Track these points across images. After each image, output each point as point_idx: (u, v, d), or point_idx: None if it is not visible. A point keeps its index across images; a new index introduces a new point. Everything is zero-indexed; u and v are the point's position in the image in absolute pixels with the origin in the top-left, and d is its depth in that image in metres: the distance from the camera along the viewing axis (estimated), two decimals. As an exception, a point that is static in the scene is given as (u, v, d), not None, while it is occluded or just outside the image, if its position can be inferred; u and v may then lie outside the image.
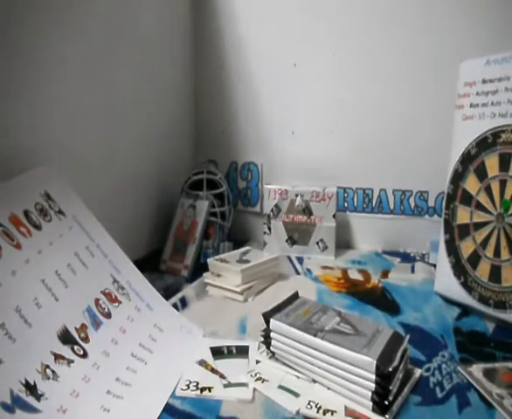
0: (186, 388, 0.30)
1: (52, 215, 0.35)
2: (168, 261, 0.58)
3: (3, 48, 0.34)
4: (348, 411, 0.28)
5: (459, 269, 0.46)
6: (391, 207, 0.66)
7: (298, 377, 0.32)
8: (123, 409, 0.28)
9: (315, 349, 0.31)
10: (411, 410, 0.28)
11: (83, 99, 0.46)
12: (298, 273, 0.58)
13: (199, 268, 0.54)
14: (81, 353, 0.30)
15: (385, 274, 0.56)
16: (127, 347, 0.33)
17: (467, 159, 0.47)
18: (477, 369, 0.33)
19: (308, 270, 0.59)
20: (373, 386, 0.27)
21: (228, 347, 0.36)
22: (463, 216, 0.46)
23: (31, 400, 0.25)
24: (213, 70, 0.73)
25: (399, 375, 0.29)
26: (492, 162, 0.44)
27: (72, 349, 0.29)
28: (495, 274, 0.42)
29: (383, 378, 0.27)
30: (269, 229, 0.67)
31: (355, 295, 0.49)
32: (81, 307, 0.33)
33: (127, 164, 0.56)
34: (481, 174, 0.45)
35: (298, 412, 0.28)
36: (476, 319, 0.43)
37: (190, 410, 0.28)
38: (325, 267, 0.60)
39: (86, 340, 0.31)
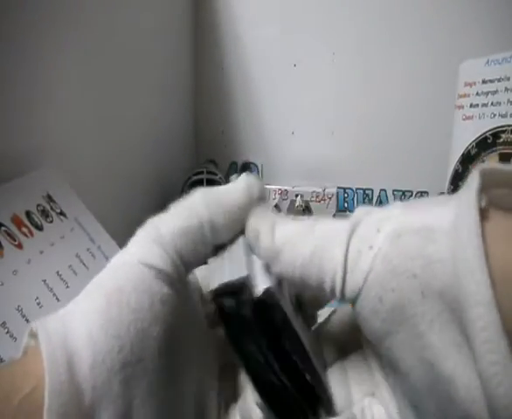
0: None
1: (54, 216, 0.35)
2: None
3: (2, 49, 0.35)
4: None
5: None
6: (391, 207, 0.67)
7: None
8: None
9: None
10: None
11: (82, 99, 0.46)
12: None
13: (200, 268, 0.54)
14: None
15: (385, 274, 0.56)
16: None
17: (467, 159, 0.47)
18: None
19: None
20: None
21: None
22: (463, 216, 0.46)
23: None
24: (213, 70, 0.73)
25: None
26: (492, 163, 0.44)
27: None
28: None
29: None
30: (269, 229, 0.67)
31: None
32: (82, 307, 0.33)
33: (126, 165, 0.56)
34: (481, 174, 0.46)
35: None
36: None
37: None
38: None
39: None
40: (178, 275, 0.16)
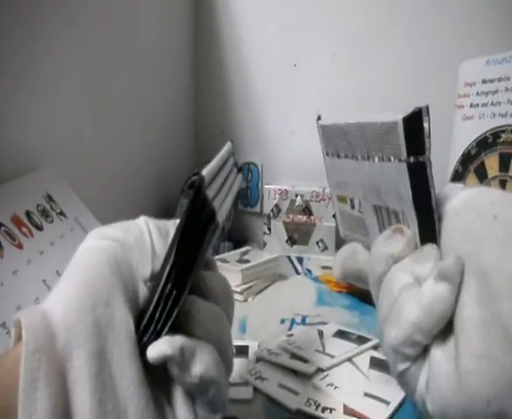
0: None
1: (54, 216, 0.35)
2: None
3: (2, 50, 0.35)
4: (346, 409, 0.28)
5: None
6: (391, 207, 0.67)
7: (298, 376, 0.32)
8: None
9: None
10: (410, 410, 0.29)
11: (82, 100, 0.46)
12: (298, 273, 0.58)
13: (200, 268, 0.54)
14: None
15: (385, 274, 0.56)
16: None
17: (467, 159, 0.47)
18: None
19: (308, 270, 0.59)
20: None
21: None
22: (463, 215, 0.46)
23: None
24: (213, 70, 0.74)
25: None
26: (492, 162, 0.44)
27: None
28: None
29: None
30: (269, 229, 0.67)
31: (355, 295, 0.49)
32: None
33: (126, 165, 0.56)
34: (481, 174, 0.45)
35: (297, 410, 0.28)
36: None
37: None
38: (325, 267, 0.60)
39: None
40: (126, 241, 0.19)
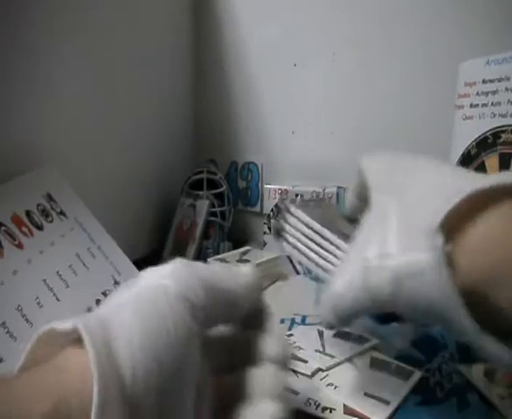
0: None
1: (54, 216, 0.35)
2: (168, 261, 0.58)
3: (2, 49, 0.35)
4: (346, 409, 0.28)
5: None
6: (391, 207, 0.66)
7: (298, 376, 0.32)
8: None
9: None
10: (410, 410, 0.29)
11: (83, 99, 0.46)
12: (298, 273, 0.58)
13: (200, 268, 0.54)
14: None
15: (385, 274, 0.56)
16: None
17: (467, 159, 0.47)
18: (477, 369, 0.33)
19: (308, 269, 0.59)
20: None
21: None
22: (463, 216, 0.46)
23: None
24: (213, 70, 0.74)
25: None
26: (492, 162, 0.44)
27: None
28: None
29: None
30: (269, 229, 0.67)
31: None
32: (82, 308, 0.33)
33: (126, 165, 0.56)
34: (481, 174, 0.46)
35: (297, 410, 0.28)
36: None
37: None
38: (325, 267, 0.60)
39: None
40: (205, 317, 0.18)
